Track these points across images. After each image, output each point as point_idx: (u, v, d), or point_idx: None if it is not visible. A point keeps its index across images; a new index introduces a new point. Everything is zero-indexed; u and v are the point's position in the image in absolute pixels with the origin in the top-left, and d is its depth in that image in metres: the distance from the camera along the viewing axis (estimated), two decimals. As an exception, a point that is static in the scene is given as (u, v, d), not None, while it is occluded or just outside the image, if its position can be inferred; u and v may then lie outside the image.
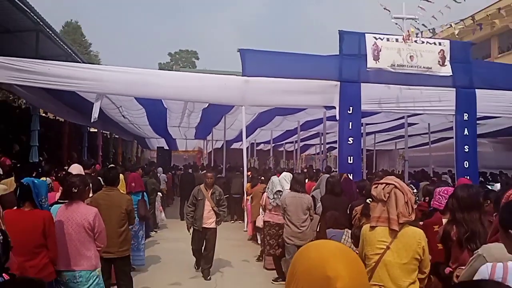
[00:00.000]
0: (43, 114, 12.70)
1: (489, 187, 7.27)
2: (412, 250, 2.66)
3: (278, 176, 7.20)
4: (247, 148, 19.47)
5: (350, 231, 4.39)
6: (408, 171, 12.54)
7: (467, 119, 9.37)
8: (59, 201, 3.96)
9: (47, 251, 3.29)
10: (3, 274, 1.28)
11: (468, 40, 12.79)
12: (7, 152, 9.55)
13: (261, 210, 7.45)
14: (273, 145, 18.66)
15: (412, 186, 6.75)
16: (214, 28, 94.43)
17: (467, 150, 9.37)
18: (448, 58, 9.31)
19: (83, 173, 5.06)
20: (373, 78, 9.08)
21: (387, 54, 9.06)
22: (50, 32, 9.42)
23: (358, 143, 9.29)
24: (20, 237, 2.86)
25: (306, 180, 8.42)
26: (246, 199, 9.09)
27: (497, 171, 13.57)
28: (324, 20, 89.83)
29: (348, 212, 5.21)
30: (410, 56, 9.06)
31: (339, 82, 8.98)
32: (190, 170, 12.57)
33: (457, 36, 9.73)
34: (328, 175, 6.48)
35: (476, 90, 9.40)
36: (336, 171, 9.45)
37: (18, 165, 7.75)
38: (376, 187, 2.82)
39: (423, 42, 9.30)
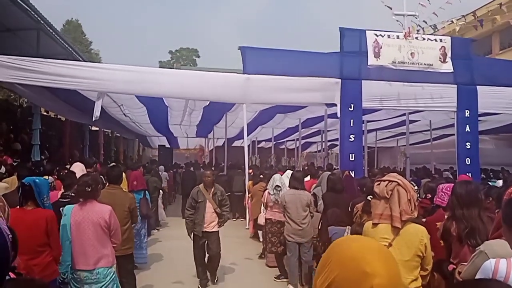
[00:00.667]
0: (45, 113, 12.71)
1: (490, 183, 7.25)
2: (414, 247, 2.66)
3: (282, 174, 7.22)
4: (248, 146, 19.62)
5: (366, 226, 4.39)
6: (410, 168, 12.54)
7: (468, 115, 9.37)
8: (60, 200, 3.96)
9: (50, 250, 3.31)
10: (10, 273, 1.28)
11: (469, 36, 12.75)
12: (9, 150, 9.58)
13: (262, 207, 7.45)
14: (274, 142, 18.65)
15: (413, 183, 6.72)
16: (215, 26, 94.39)
17: (468, 147, 9.37)
18: (449, 54, 9.29)
19: (85, 172, 5.08)
20: (374, 75, 9.08)
21: (388, 51, 9.04)
22: (51, 30, 9.42)
23: (360, 140, 9.30)
24: (23, 235, 2.86)
25: (308, 178, 8.47)
26: (248, 197, 9.09)
27: (499, 168, 13.54)
28: (326, 17, 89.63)
29: (349, 209, 5.21)
30: (411, 53, 9.04)
31: (340, 80, 8.99)
32: (191, 168, 12.57)
33: (458, 33, 9.71)
34: (329, 173, 6.48)
35: (478, 86, 9.40)
36: (337, 169, 9.47)
37: (17, 164, 7.76)
38: (379, 184, 2.82)
39: (424, 39, 9.28)
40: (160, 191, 10.09)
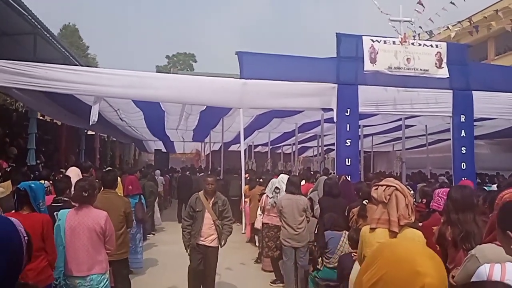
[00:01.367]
0: (40, 117, 12.68)
1: (486, 188, 7.29)
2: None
3: (276, 178, 7.22)
4: (245, 150, 19.62)
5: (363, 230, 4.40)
6: (406, 172, 12.58)
7: (464, 120, 9.41)
8: (53, 204, 3.94)
9: (46, 254, 3.29)
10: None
11: (465, 42, 12.85)
12: (4, 155, 9.54)
13: (259, 211, 7.45)
14: (270, 147, 18.66)
15: (409, 188, 6.75)
16: (211, 30, 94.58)
17: (464, 151, 9.41)
18: (445, 60, 9.36)
19: (81, 176, 5.06)
20: (370, 80, 9.13)
21: (384, 57, 9.10)
22: (48, 35, 9.42)
23: (356, 145, 9.33)
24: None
25: (303, 182, 8.48)
26: (244, 201, 9.08)
27: (494, 173, 13.60)
28: (323, 23, 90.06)
29: (346, 214, 5.23)
30: (407, 59, 9.10)
31: (336, 85, 9.02)
32: (187, 173, 12.55)
33: (452, 39, 9.78)
34: (325, 177, 6.49)
35: (473, 92, 9.45)
36: (334, 173, 9.49)
37: (10, 168, 7.73)
38: (377, 189, 2.83)
39: (420, 45, 9.34)
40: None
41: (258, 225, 7.44)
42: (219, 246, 5.26)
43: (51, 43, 9.79)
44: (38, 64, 7.74)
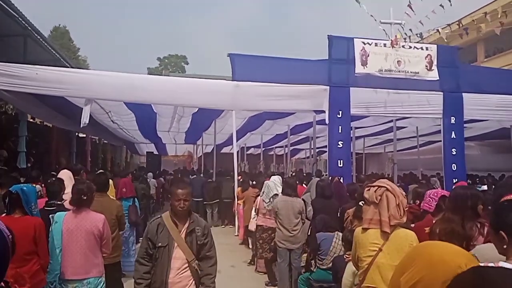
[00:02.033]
0: (31, 120, 12.56)
1: (478, 189, 7.35)
2: (404, 252, 2.67)
3: (268, 180, 7.22)
4: (237, 152, 19.61)
5: (341, 234, 4.41)
6: (397, 174, 12.65)
7: (454, 122, 9.52)
8: (45, 208, 3.90)
9: (38, 258, 3.26)
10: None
11: (455, 44, 13.00)
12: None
13: (253, 213, 7.44)
14: (263, 149, 18.68)
15: (401, 189, 6.80)
16: (203, 32, 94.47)
17: (454, 153, 9.51)
18: (435, 62, 9.48)
19: (73, 179, 5.02)
20: (362, 82, 9.19)
21: (375, 60, 9.19)
22: (38, 37, 9.33)
23: (348, 146, 9.38)
24: (11, 243, 2.83)
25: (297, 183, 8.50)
26: (237, 203, 9.08)
27: (485, 173, 13.75)
28: (315, 25, 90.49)
29: (339, 215, 5.25)
30: (398, 61, 9.20)
31: (328, 87, 9.07)
32: (179, 175, 12.50)
33: (445, 41, 9.90)
34: (318, 179, 6.51)
35: (463, 94, 9.56)
36: (326, 175, 9.53)
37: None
38: (369, 190, 2.86)
39: (410, 47, 9.45)
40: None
41: (252, 227, 7.43)
42: None
43: (42, 45, 9.70)
44: (28, 66, 7.68)
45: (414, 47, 9.54)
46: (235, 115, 9.64)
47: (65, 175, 5.00)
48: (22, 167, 8.93)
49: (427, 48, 9.59)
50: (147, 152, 21.03)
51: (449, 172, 9.50)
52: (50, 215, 3.63)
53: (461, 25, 9.18)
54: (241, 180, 9.56)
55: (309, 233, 5.33)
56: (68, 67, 10.83)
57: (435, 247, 1.25)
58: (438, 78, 9.42)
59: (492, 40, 18.07)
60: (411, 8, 8.81)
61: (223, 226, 11.10)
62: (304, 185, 8.48)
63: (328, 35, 9.35)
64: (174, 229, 3.22)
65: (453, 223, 3.03)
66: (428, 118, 10.23)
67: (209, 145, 17.46)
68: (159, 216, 3.35)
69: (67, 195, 4.04)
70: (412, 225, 3.73)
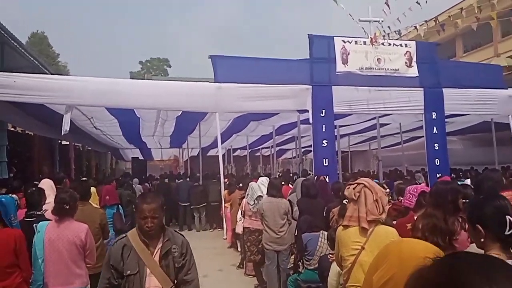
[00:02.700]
0: (12, 129, 12.33)
1: (459, 183, 7.46)
2: (385, 249, 2.70)
3: (256, 182, 7.20)
4: (224, 154, 19.56)
5: (326, 233, 4.43)
6: (383, 170, 12.77)
7: (435, 117, 9.65)
8: (25, 219, 3.82)
9: (20, 271, 3.19)
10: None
11: (433, 40, 13.19)
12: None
13: (239, 216, 7.42)
14: (249, 150, 18.65)
15: (385, 186, 6.86)
16: (185, 35, 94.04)
17: (437, 148, 9.65)
18: (414, 59, 9.60)
19: (55, 188, 4.93)
20: (343, 81, 9.26)
21: (355, 58, 9.27)
22: (15, 43, 9.16)
23: (333, 145, 9.42)
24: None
25: (283, 183, 8.51)
26: (224, 206, 9.04)
27: (468, 167, 13.97)
28: (296, 25, 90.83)
29: (324, 214, 5.26)
30: (378, 59, 9.30)
31: (310, 86, 9.11)
32: (166, 180, 12.41)
33: (423, 37, 10.03)
34: (303, 179, 6.52)
35: (443, 89, 9.70)
36: (312, 174, 9.56)
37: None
38: (348, 187, 2.88)
39: (390, 44, 9.56)
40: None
41: (239, 229, 7.41)
42: None
43: (19, 52, 9.52)
44: (5, 74, 7.53)
45: (394, 44, 9.65)
46: (219, 117, 9.62)
47: (46, 184, 4.90)
48: (4, 177, 8.76)
49: (406, 45, 9.71)
50: (132, 157, 20.81)
51: (432, 167, 9.64)
52: (34, 224, 3.57)
53: (438, 21, 9.32)
54: (227, 182, 9.52)
55: (296, 234, 5.34)
56: (47, 73, 10.67)
57: (405, 244, 1.26)
58: (417, 75, 9.55)
59: (470, 35, 18.41)
60: (388, 5, 8.91)
61: (212, 230, 11.06)
62: (290, 185, 8.50)
63: (308, 34, 9.39)
64: (145, 251, 2.58)
65: (435, 218, 3.06)
66: (410, 114, 10.36)
67: (195, 148, 17.37)
68: (123, 235, 2.66)
69: (49, 204, 3.97)
70: (394, 222, 3.76)
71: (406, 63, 9.62)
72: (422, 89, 9.58)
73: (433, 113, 9.63)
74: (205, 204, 10.90)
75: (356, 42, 9.42)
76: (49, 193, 4.45)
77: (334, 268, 3.38)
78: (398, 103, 9.53)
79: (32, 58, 10.03)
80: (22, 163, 11.41)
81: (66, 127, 7.74)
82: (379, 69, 9.40)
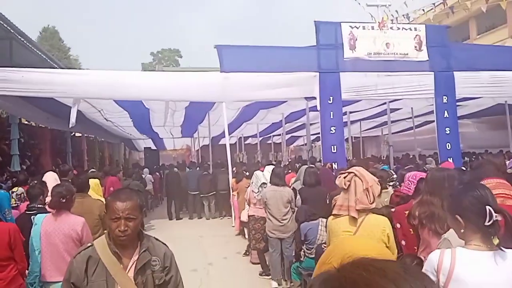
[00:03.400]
0: (26, 122, 12.56)
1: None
2: (376, 238, 2.67)
3: (262, 170, 7.19)
4: (235, 143, 19.60)
5: (325, 221, 4.40)
6: (395, 155, 12.61)
7: (446, 101, 9.46)
8: (26, 212, 3.90)
9: (15, 263, 3.26)
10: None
11: (446, 23, 12.86)
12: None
13: (246, 204, 7.44)
14: (260, 138, 18.65)
15: (392, 172, 6.79)
16: (195, 25, 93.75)
17: (448, 132, 9.48)
18: (424, 42, 9.39)
19: (59, 182, 5.01)
20: (351, 67, 9.13)
21: (363, 43, 9.12)
22: (23, 39, 9.29)
23: (341, 132, 9.35)
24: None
25: (290, 172, 8.50)
26: (232, 194, 9.09)
27: (482, 151, 13.71)
28: (303, 12, 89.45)
29: (328, 202, 5.23)
30: (386, 44, 9.13)
31: (318, 73, 9.02)
32: (175, 169, 12.50)
33: (435, 21, 9.79)
34: (306, 166, 6.49)
35: (454, 72, 9.48)
36: (320, 161, 9.52)
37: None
38: (340, 177, 2.85)
39: (398, 29, 9.37)
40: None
41: (244, 217, 7.44)
42: None
43: (28, 47, 9.66)
44: (13, 69, 7.66)
45: (403, 28, 9.45)
46: (228, 106, 9.61)
47: (50, 177, 4.98)
48: (16, 170, 8.94)
49: (415, 29, 9.50)
50: (144, 147, 21.03)
51: (443, 151, 9.49)
52: (32, 217, 3.64)
53: (446, 4, 9.06)
54: (235, 171, 9.56)
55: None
56: (56, 67, 10.80)
57: (348, 242, 1.24)
58: (427, 59, 9.36)
59: (484, 16, 17.87)
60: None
61: (221, 217, 11.14)
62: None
63: (314, 21, 9.26)
64: (116, 265, 2.05)
65: (433, 205, 3.02)
66: (420, 98, 10.17)
67: (206, 138, 17.43)
68: (89, 244, 2.15)
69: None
70: (393, 210, 3.71)
71: (415, 47, 9.42)
72: (432, 73, 9.39)
73: (444, 97, 9.45)
74: (214, 192, 10.96)
75: (364, 28, 9.26)
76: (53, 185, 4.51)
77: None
78: (408, 87, 9.37)
79: (40, 53, 10.16)
80: (35, 155, 11.62)
81: (73, 120, 7.87)
82: (388, 54, 9.23)
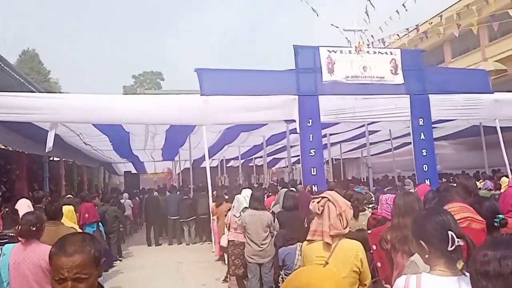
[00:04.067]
0: (2, 147, 12.28)
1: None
2: (349, 263, 2.68)
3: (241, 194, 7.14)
4: (217, 165, 19.52)
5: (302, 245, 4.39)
6: (374, 177, 12.74)
7: (422, 124, 9.67)
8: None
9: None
10: None
11: (422, 47, 13.28)
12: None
13: (225, 229, 7.35)
14: (242, 161, 18.64)
15: (371, 194, 6.85)
16: (177, 48, 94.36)
17: (424, 153, 9.66)
18: (400, 66, 9.64)
19: (32, 209, 4.88)
20: (330, 90, 9.28)
21: (341, 67, 9.30)
22: (1, 63, 9.17)
23: (320, 154, 9.42)
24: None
25: (270, 195, 8.49)
26: (213, 219, 8.98)
27: (459, 172, 13.97)
28: (284, 37, 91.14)
29: (307, 225, 5.22)
30: (363, 67, 9.34)
31: (297, 96, 9.13)
32: (155, 193, 12.33)
33: (407, 45, 10.11)
34: (286, 189, 6.49)
35: (430, 95, 9.73)
36: (300, 184, 9.53)
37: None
38: (313, 202, 2.86)
39: (375, 53, 9.61)
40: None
41: (223, 242, 7.34)
42: None
43: (5, 71, 9.52)
44: (-12, 93, 7.51)
45: (379, 52, 9.71)
46: (209, 129, 9.59)
47: (23, 204, 4.86)
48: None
49: (391, 53, 9.77)
50: (124, 171, 20.72)
51: (420, 173, 9.64)
52: (0, 247, 3.51)
53: (418, 30, 9.38)
54: (215, 195, 9.48)
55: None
56: (35, 91, 10.66)
57: (305, 273, 1.24)
58: (403, 82, 9.59)
59: (457, 41, 18.54)
60: (367, 15, 9.00)
61: (201, 242, 10.98)
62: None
63: (293, 45, 9.43)
64: None
65: (406, 228, 3.05)
66: (397, 121, 10.38)
67: (187, 161, 17.33)
68: None
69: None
70: (369, 232, 3.73)
71: (391, 70, 9.66)
72: (408, 96, 9.61)
73: (419, 119, 9.66)
74: (194, 217, 10.83)
75: (341, 51, 9.47)
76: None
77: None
78: (385, 110, 9.55)
79: (17, 77, 10.03)
80: (11, 181, 11.33)
81: (50, 144, 7.73)
82: (365, 77, 9.43)
